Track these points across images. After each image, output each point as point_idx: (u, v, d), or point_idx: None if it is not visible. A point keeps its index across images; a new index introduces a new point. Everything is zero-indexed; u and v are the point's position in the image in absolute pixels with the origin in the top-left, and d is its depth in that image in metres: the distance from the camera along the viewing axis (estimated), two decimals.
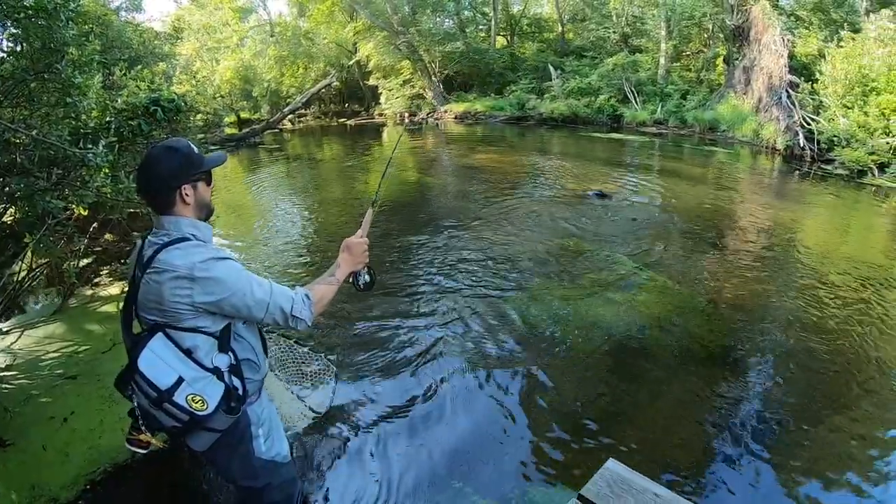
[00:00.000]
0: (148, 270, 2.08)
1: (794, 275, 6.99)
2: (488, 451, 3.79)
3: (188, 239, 2.15)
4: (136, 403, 2.16)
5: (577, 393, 4.46)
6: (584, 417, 4.14)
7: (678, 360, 4.94)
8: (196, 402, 2.06)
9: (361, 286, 2.66)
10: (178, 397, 2.04)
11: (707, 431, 4.01)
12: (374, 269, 2.72)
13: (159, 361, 2.05)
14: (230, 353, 2.22)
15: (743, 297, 6.25)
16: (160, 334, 2.08)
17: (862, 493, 3.44)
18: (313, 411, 4.24)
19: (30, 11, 3.87)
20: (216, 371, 2.15)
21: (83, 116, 4.96)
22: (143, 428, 2.17)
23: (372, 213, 2.79)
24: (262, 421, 2.47)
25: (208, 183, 2.30)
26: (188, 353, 2.10)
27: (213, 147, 17.08)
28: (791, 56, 17.74)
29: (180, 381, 2.05)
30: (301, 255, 8.14)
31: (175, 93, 6.85)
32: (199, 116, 16.56)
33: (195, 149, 2.23)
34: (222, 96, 28.13)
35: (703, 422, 4.11)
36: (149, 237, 2.19)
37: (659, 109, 21.97)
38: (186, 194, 2.17)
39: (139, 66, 7.62)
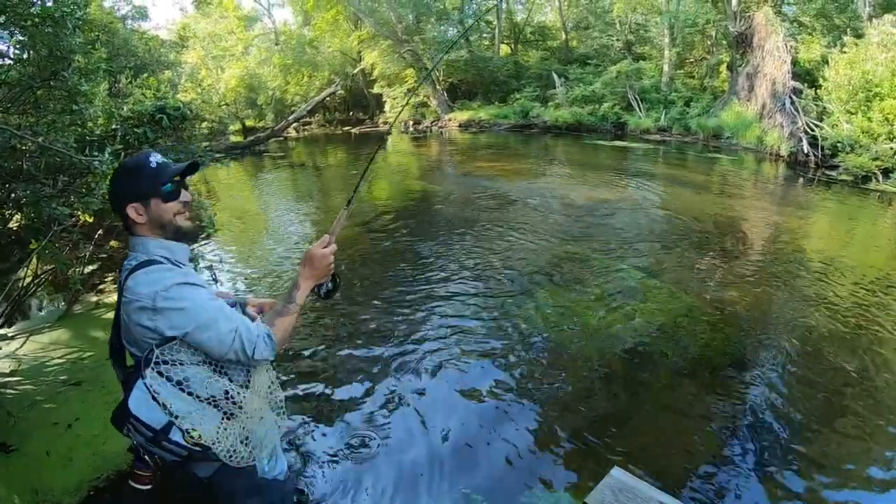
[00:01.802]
0: (122, 298, 1.98)
1: (798, 282, 6.95)
2: (492, 459, 3.76)
3: (157, 262, 2.00)
4: (134, 442, 2.05)
5: (582, 401, 4.43)
6: (589, 425, 4.11)
7: (683, 367, 4.91)
8: (193, 436, 1.96)
9: (322, 294, 2.40)
10: (174, 434, 1.96)
11: (713, 439, 3.97)
12: (339, 275, 2.45)
13: (150, 401, 1.93)
14: (226, 377, 2.08)
15: (748, 305, 6.20)
16: (151, 369, 1.93)
17: (872, 497, 3.43)
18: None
19: (36, 19, 3.90)
20: (211, 400, 2.03)
21: (89, 124, 5.01)
22: (149, 462, 2.08)
23: (345, 216, 2.50)
24: (265, 442, 2.27)
25: (167, 200, 2.06)
26: (179, 384, 1.96)
27: (218, 155, 17.17)
28: (794, 62, 17.77)
29: (176, 417, 1.95)
30: (297, 251, 8.17)
31: (181, 100, 6.89)
32: (204, 124, 16.65)
33: (152, 162, 2.04)
34: (227, 104, 28.26)
35: (709, 430, 4.08)
36: (126, 260, 2.07)
37: (663, 117, 22.01)
38: (138, 214, 2.01)
39: (145, 74, 7.66)
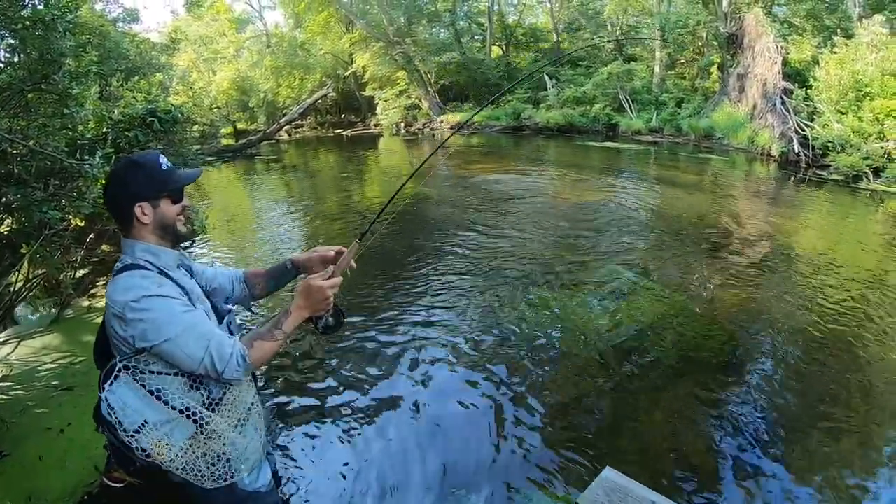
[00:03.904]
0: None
1: (790, 280, 6.97)
2: (485, 459, 3.76)
3: (140, 267, 1.98)
4: (107, 441, 2.06)
5: (574, 400, 4.43)
6: (581, 425, 4.12)
7: (676, 366, 4.90)
8: (161, 447, 1.96)
9: (321, 329, 2.30)
10: (144, 441, 1.95)
11: (705, 438, 3.97)
12: (343, 309, 2.35)
13: (123, 404, 1.93)
14: (203, 389, 2.06)
15: (740, 304, 6.22)
16: (125, 375, 1.95)
17: (863, 497, 3.42)
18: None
19: (27, 22, 3.89)
20: (186, 411, 2.01)
21: (80, 127, 5.00)
22: (114, 465, 2.10)
23: (357, 250, 2.38)
24: (246, 456, 2.22)
25: (175, 202, 2.07)
26: (153, 393, 1.96)
27: (209, 158, 17.14)
28: (785, 63, 17.80)
29: (145, 423, 1.95)
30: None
31: (172, 104, 6.88)
32: (195, 127, 16.62)
33: (163, 164, 2.03)
34: (219, 107, 28.21)
35: (702, 428, 4.08)
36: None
37: (654, 118, 22.05)
38: (144, 213, 1.99)
39: (136, 77, 7.64)
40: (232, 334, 2.22)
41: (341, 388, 4.63)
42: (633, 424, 4.15)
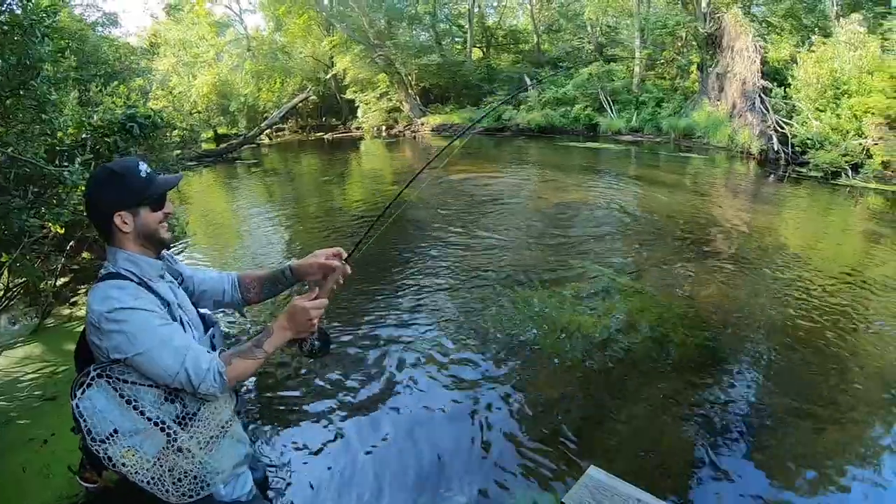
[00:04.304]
0: None
1: (770, 277, 7.01)
2: (470, 460, 3.76)
3: (120, 276, 1.97)
4: (80, 442, 2.03)
5: (558, 400, 4.43)
6: (566, 424, 4.10)
7: (658, 365, 4.92)
8: (130, 457, 1.94)
9: (306, 352, 2.24)
10: (112, 450, 1.93)
11: (689, 435, 3.98)
12: (329, 333, 2.31)
13: (94, 411, 1.92)
14: (179, 403, 2.03)
15: (721, 302, 6.26)
16: (101, 380, 1.93)
17: (846, 489, 3.45)
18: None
19: (5, 27, 3.84)
20: (160, 423, 1.99)
21: (59, 133, 4.93)
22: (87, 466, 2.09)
23: (343, 271, 2.32)
24: (219, 470, 2.16)
25: (155, 209, 2.04)
26: (129, 402, 1.94)
27: (190, 163, 17.03)
28: (764, 62, 18.00)
29: (115, 432, 1.93)
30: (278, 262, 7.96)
31: (151, 109, 6.82)
32: (175, 132, 16.49)
33: (142, 171, 2.00)
34: (199, 112, 27.99)
35: (685, 426, 4.09)
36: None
37: (634, 118, 22.20)
38: (124, 223, 1.97)
39: (115, 83, 7.56)
40: (214, 347, 2.24)
41: (324, 392, 4.60)
42: (618, 422, 4.15)
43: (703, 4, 21.24)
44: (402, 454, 3.83)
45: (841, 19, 17.35)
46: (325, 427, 4.14)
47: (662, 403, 4.36)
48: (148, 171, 2.02)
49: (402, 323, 5.91)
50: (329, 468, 3.69)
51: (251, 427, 4.05)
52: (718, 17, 20.54)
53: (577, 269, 7.31)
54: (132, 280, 1.97)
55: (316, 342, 2.22)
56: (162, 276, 2.15)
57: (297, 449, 3.90)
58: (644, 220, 9.97)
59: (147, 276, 2.04)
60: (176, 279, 2.29)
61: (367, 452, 3.84)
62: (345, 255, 2.36)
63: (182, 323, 2.10)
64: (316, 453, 3.85)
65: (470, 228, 9.53)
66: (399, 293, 6.72)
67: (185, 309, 2.20)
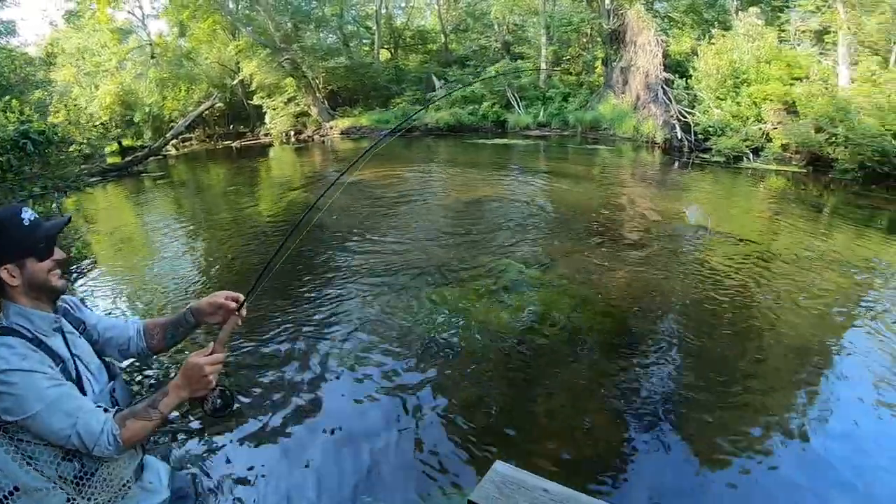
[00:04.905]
0: None
1: (680, 259, 7.09)
2: (381, 461, 3.62)
3: (12, 332, 1.85)
4: None
5: (474, 397, 4.27)
6: (481, 421, 3.98)
7: (573, 354, 4.84)
8: None
9: (209, 411, 2.09)
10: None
11: (607, 420, 3.93)
12: (232, 392, 2.16)
13: None
14: (77, 461, 1.89)
15: (632, 286, 6.24)
16: (3, 437, 1.81)
17: (764, 458, 3.46)
18: None
19: None
20: (58, 482, 1.87)
21: None
22: None
23: (239, 319, 2.20)
24: None
25: (43, 258, 1.92)
26: (28, 460, 1.83)
27: (93, 179, 15.84)
28: (666, 55, 18.64)
29: (16, 489, 1.83)
30: (192, 288, 7.28)
31: (46, 123, 6.26)
32: (72, 147, 15.25)
33: (25, 219, 1.89)
34: (103, 124, 26.45)
35: (603, 411, 4.03)
36: None
37: (542, 113, 22.45)
38: (11, 276, 1.86)
39: (7, 97, 6.78)
40: (116, 401, 2.13)
41: (249, 413, 4.23)
42: (536, 415, 4.05)
43: (607, 1, 21.77)
44: (316, 464, 3.63)
45: (740, 13, 18.18)
46: (253, 448, 3.84)
47: (580, 391, 4.31)
48: (32, 218, 1.93)
49: (318, 336, 5.52)
50: (244, 485, 3.47)
51: (182, 455, 3.75)
52: (622, 14, 21.10)
53: (489, 264, 7.13)
54: (24, 336, 1.87)
55: (218, 400, 2.11)
56: (58, 330, 2.03)
57: (228, 475, 3.57)
58: (552, 211, 9.92)
59: (40, 331, 1.95)
60: (78, 328, 2.16)
61: (280, 464, 3.65)
62: (242, 298, 2.25)
63: (80, 377, 2.00)
64: (243, 482, 3.52)
65: (380, 231, 9.17)
66: (311, 304, 6.34)
67: (84, 361, 2.09)
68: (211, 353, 2.03)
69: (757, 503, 3.22)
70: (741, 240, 7.65)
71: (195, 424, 4.07)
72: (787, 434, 3.66)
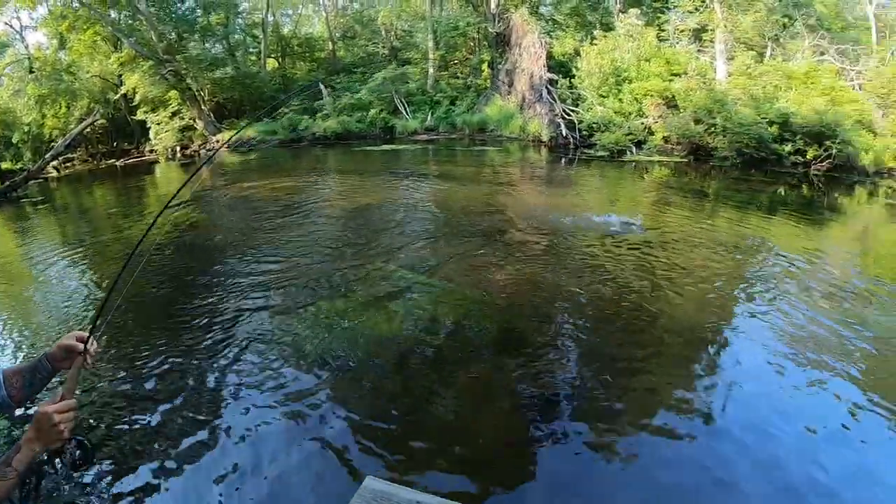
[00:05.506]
0: None
1: (570, 252, 7.09)
2: (266, 479, 3.41)
3: None
4: None
5: (365, 411, 4.09)
6: (373, 435, 3.78)
7: (469, 357, 4.72)
8: None
9: (69, 465, 1.95)
10: None
11: (504, 420, 3.87)
12: (89, 441, 2.01)
13: None
14: None
15: (521, 284, 6.15)
16: None
17: (667, 443, 3.47)
18: None
19: None
20: None
21: None
22: None
23: (88, 359, 2.10)
24: None
25: None
26: None
27: None
28: (550, 56, 18.94)
29: None
30: (71, 321, 6.45)
31: None
32: None
33: None
34: None
35: (500, 412, 3.98)
36: None
37: (429, 117, 22.33)
38: None
39: None
40: None
41: (124, 455, 3.83)
42: (433, 423, 3.93)
43: (493, 5, 21.88)
44: (194, 487, 3.44)
45: (621, 14, 18.76)
46: (129, 456, 3.68)
47: (477, 394, 4.22)
48: None
49: (203, 364, 5.04)
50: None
51: None
52: (507, 18, 21.30)
53: (376, 272, 6.90)
54: None
55: (76, 451, 1.96)
56: None
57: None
58: (440, 214, 9.78)
59: None
60: None
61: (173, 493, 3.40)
62: (86, 335, 2.11)
63: None
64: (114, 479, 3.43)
65: (262, 246, 8.60)
66: (192, 331, 5.78)
67: None
68: (60, 401, 1.92)
69: (663, 482, 3.19)
70: (629, 228, 7.75)
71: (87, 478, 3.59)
72: (683, 412, 3.73)
